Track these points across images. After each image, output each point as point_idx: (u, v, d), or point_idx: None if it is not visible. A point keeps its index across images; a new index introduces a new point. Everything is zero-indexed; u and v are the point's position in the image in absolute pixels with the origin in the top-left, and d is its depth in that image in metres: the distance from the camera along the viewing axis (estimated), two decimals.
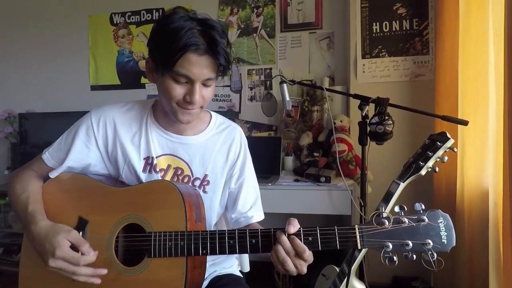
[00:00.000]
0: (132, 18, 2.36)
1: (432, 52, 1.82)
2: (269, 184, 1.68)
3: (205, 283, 0.96)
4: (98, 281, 0.72)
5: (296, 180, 1.72)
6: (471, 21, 1.32)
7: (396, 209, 0.64)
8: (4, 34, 2.61)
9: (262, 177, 1.76)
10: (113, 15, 2.40)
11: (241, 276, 1.03)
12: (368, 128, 1.28)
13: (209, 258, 0.95)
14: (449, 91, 1.48)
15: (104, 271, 0.72)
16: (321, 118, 2.06)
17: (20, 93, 2.59)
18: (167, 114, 0.84)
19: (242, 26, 2.25)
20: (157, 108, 0.89)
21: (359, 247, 0.60)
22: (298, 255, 0.63)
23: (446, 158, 0.88)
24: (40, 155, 0.88)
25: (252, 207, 0.93)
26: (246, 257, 1.14)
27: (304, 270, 0.65)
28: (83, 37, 2.47)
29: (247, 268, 1.14)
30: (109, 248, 0.76)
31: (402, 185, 0.93)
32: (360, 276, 1.25)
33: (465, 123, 1.19)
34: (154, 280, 0.73)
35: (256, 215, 0.93)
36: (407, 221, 0.60)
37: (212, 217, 0.93)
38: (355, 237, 0.61)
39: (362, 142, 1.34)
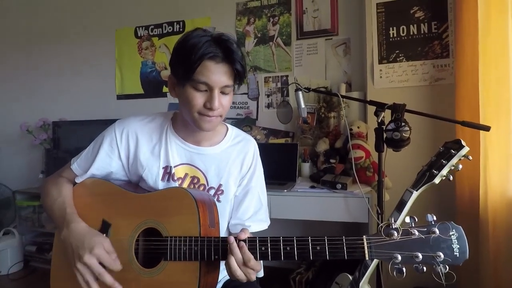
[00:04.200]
0: (155, 31, 2.48)
1: (453, 55, 1.77)
2: (285, 190, 1.69)
3: (219, 285, 0.99)
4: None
5: (312, 187, 1.72)
6: (491, 23, 1.29)
7: (407, 220, 0.64)
8: (40, 49, 2.82)
9: (278, 184, 1.78)
10: (137, 28, 2.53)
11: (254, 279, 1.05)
12: (385, 135, 1.27)
13: (223, 262, 0.99)
14: (470, 96, 1.44)
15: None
16: (338, 124, 2.05)
17: (54, 103, 2.79)
18: (186, 125, 0.90)
19: (259, 35, 2.30)
20: (176, 120, 0.95)
21: (367, 258, 0.61)
22: (246, 264, 0.70)
23: (460, 166, 0.87)
24: (69, 164, 0.95)
25: (251, 217, 0.96)
26: (260, 262, 1.16)
27: (253, 277, 0.72)
28: (110, 50, 2.61)
29: (261, 274, 1.16)
30: (130, 250, 0.81)
31: (415, 194, 0.92)
32: (378, 286, 1.23)
33: (487, 128, 1.15)
34: (169, 282, 0.77)
35: (254, 226, 0.95)
36: (417, 233, 0.60)
37: (224, 225, 0.96)
38: (363, 248, 0.62)
39: (378, 148, 1.33)
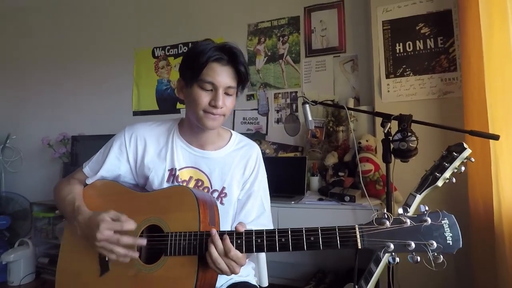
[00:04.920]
0: (171, 51, 2.63)
1: (460, 69, 1.78)
2: (292, 202, 1.69)
3: None
4: (144, 242, 0.79)
5: (320, 199, 1.71)
6: (494, 35, 1.31)
7: (400, 210, 0.64)
8: (62, 67, 3.03)
9: (286, 197, 1.78)
10: (155, 49, 2.69)
11: (257, 286, 1.04)
12: (392, 146, 1.27)
13: None
14: (478, 107, 1.43)
15: (143, 242, 0.79)
16: (347, 138, 2.05)
17: (74, 118, 2.94)
18: (192, 129, 0.95)
19: (269, 54, 2.39)
20: (183, 125, 1.00)
21: (359, 247, 0.61)
22: (226, 254, 0.71)
23: (463, 168, 0.86)
24: (81, 168, 1.01)
25: (253, 221, 0.97)
26: (264, 271, 1.15)
27: (237, 270, 0.72)
28: (129, 69, 2.78)
29: (265, 283, 1.15)
30: (133, 251, 0.84)
31: (419, 197, 0.91)
32: None
33: (495, 137, 1.14)
34: (169, 277, 0.78)
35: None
36: (408, 222, 0.60)
37: (227, 228, 0.98)
38: (355, 236, 0.62)
39: (385, 159, 1.33)
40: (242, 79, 0.89)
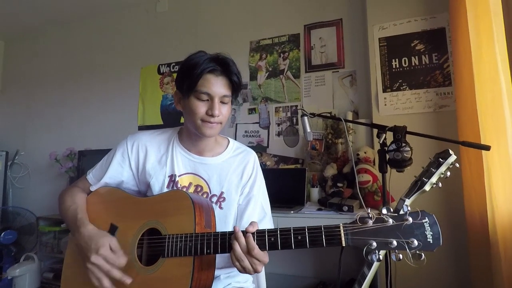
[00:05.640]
0: (176, 68, 2.74)
1: (454, 84, 1.83)
2: (291, 211, 1.71)
3: None
4: (129, 281, 0.80)
5: (319, 209, 1.73)
6: (483, 51, 1.37)
7: (384, 211, 0.67)
8: (70, 84, 3.15)
9: (286, 207, 1.81)
10: (160, 66, 2.81)
11: None
12: (387, 156, 1.31)
13: (225, 271, 1.03)
14: (471, 119, 1.47)
15: (129, 280, 0.80)
16: (346, 150, 2.09)
17: (80, 133, 3.03)
18: (191, 136, 1.00)
19: (270, 69, 2.48)
20: (182, 133, 1.06)
21: (343, 244, 0.64)
22: (250, 252, 0.71)
23: (449, 173, 0.90)
24: (85, 176, 1.06)
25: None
26: (263, 278, 1.16)
27: (259, 269, 0.73)
28: (135, 85, 2.89)
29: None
30: (133, 250, 0.87)
31: (408, 201, 0.94)
32: None
33: (487, 148, 1.17)
34: (166, 278, 0.81)
35: None
36: (391, 221, 0.64)
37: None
38: (340, 235, 0.65)
39: (381, 169, 1.36)
40: (235, 88, 0.95)
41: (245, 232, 0.74)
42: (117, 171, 1.02)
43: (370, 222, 0.64)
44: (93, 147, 2.85)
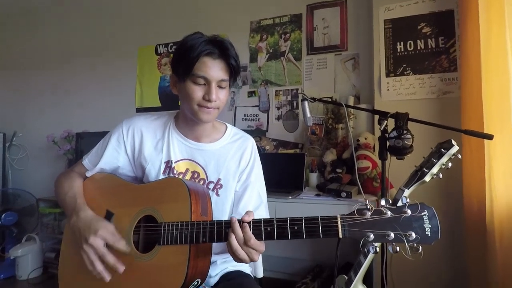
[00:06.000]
0: (173, 48, 2.67)
1: (460, 69, 1.78)
2: (289, 197, 1.71)
3: (216, 278, 1.02)
4: (122, 269, 0.81)
5: (317, 195, 1.73)
6: (492, 37, 1.32)
7: (382, 202, 0.66)
8: (66, 65, 3.08)
9: (284, 192, 1.81)
10: (158, 46, 2.73)
11: (251, 275, 1.07)
12: (388, 143, 1.29)
13: (222, 256, 1.02)
14: (475, 107, 1.44)
15: (122, 268, 0.81)
16: (346, 135, 2.07)
17: (78, 115, 3.00)
18: (187, 122, 0.97)
19: (271, 51, 2.41)
20: (179, 118, 1.02)
21: (340, 236, 0.63)
22: (246, 243, 0.70)
23: (450, 164, 0.88)
24: (81, 160, 1.04)
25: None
26: (259, 261, 1.17)
27: (256, 258, 0.72)
28: (132, 66, 2.83)
29: (260, 274, 1.17)
30: (129, 236, 0.87)
31: (407, 192, 0.92)
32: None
33: (489, 137, 1.15)
34: (162, 265, 0.81)
35: None
36: (389, 213, 0.62)
37: (224, 218, 1.00)
38: (337, 226, 0.64)
39: (381, 156, 1.34)
40: (234, 72, 0.91)
41: (241, 222, 0.73)
42: (113, 156, 1.00)
43: (368, 214, 0.63)
44: (91, 129, 2.82)
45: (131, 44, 2.83)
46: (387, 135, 1.31)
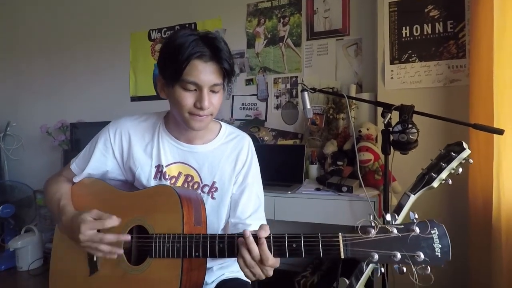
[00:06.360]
0: (167, 33, 2.54)
1: (469, 56, 1.69)
2: (289, 192, 1.67)
3: (212, 286, 0.98)
4: (128, 237, 0.78)
5: (317, 189, 1.68)
6: (507, 21, 1.21)
7: (388, 217, 0.61)
8: (58, 53, 2.95)
9: (283, 185, 1.76)
10: (151, 31, 2.61)
11: (249, 282, 1.04)
12: (391, 137, 1.23)
13: (217, 261, 0.99)
14: (485, 98, 1.36)
15: (127, 237, 0.77)
16: (347, 126, 2.00)
17: (71, 105, 2.91)
18: (178, 124, 0.90)
19: (269, 36, 2.30)
20: (169, 119, 0.95)
21: (342, 256, 0.58)
22: (263, 262, 0.64)
23: (460, 170, 0.81)
24: (69, 165, 0.98)
25: (251, 215, 0.94)
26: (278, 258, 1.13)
27: (270, 273, 0.67)
28: (125, 53, 2.71)
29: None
30: (120, 248, 0.82)
31: (413, 198, 0.87)
32: None
33: (500, 132, 1.09)
34: (154, 279, 0.77)
35: (255, 224, 0.92)
36: (395, 231, 0.57)
37: (220, 223, 0.96)
38: (339, 245, 0.59)
39: (384, 151, 1.29)
40: (227, 74, 0.83)
41: (255, 237, 0.66)
42: (100, 161, 0.95)
43: (373, 232, 0.57)
44: (85, 119, 2.75)
45: (123, 30, 2.70)
46: (390, 128, 1.25)
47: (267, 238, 0.66)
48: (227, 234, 0.71)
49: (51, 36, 3.00)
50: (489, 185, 1.28)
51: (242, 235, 0.67)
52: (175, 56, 0.78)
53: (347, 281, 1.09)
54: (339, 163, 1.83)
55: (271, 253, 0.64)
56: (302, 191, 1.68)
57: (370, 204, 1.47)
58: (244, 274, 0.68)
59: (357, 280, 0.91)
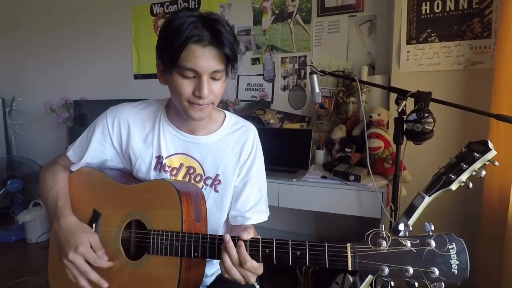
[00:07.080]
0: (170, 8, 2.42)
1: (495, 35, 1.55)
2: (294, 179, 1.62)
3: (212, 278, 0.98)
4: (105, 285, 0.76)
5: (324, 177, 1.63)
6: None
7: (401, 227, 0.56)
8: (60, 29, 2.87)
9: (288, 171, 1.72)
10: (153, 5, 2.48)
11: None
12: (405, 126, 1.15)
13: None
14: (510, 84, 1.25)
15: (105, 285, 0.75)
16: (357, 110, 1.91)
17: (75, 82, 2.86)
18: (180, 113, 0.84)
19: (277, 12, 2.16)
20: (170, 108, 0.90)
21: (350, 268, 0.54)
22: (242, 265, 0.62)
23: (484, 173, 0.73)
24: (65, 152, 0.94)
25: (252, 208, 0.90)
26: (261, 264, 1.11)
27: (252, 280, 0.65)
28: (127, 29, 2.60)
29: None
30: (117, 240, 0.80)
31: (428, 200, 0.80)
32: None
33: None
34: (151, 276, 0.75)
35: (255, 218, 0.90)
36: (409, 245, 0.52)
37: (222, 216, 0.93)
38: (346, 257, 0.55)
39: (397, 140, 1.21)
40: (230, 60, 0.75)
41: (236, 239, 0.64)
42: (98, 150, 0.91)
43: (384, 245, 0.52)
44: (88, 96, 2.71)
45: (124, 4, 2.57)
46: (404, 117, 1.17)
47: (254, 241, 0.64)
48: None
49: (52, 12, 2.89)
50: (507, 179, 1.21)
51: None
52: (171, 39, 0.71)
53: (351, 279, 1.07)
54: (347, 149, 1.76)
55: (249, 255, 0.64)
56: (308, 178, 1.63)
57: (378, 195, 1.41)
58: (225, 276, 0.67)
59: (362, 280, 0.88)
